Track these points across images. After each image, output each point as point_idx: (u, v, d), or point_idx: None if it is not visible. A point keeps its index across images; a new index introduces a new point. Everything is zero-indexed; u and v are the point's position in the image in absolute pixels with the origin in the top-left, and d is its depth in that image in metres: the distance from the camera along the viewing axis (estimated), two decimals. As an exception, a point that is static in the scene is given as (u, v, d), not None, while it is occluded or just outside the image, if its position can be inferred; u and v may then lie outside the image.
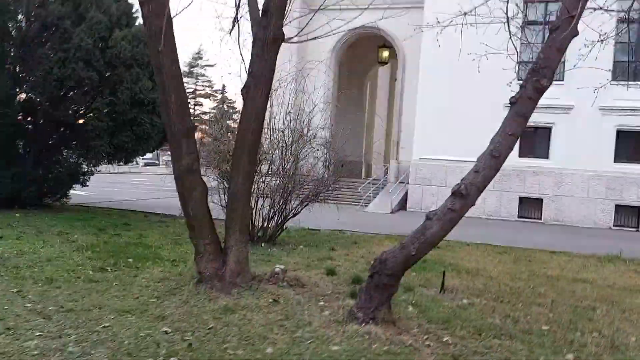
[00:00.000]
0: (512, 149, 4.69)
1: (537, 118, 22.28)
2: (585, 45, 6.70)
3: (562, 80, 20.28)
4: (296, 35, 5.99)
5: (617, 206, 19.34)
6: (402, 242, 4.94)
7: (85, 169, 13.60)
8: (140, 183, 28.05)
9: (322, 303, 5.65)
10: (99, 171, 14.19)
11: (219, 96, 76.23)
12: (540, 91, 4.56)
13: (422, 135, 21.14)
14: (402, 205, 21.17)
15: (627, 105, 18.54)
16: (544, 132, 19.96)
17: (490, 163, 4.69)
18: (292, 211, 10.42)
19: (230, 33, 6.66)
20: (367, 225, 14.34)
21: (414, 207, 20.97)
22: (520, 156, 20.25)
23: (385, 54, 26.52)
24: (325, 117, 12.93)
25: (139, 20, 12.71)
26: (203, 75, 76.77)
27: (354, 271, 7.58)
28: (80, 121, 12.18)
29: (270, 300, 5.56)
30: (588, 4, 4.79)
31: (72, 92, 11.17)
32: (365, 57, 27.58)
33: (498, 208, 20.19)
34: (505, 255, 10.07)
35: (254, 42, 5.59)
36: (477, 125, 20.46)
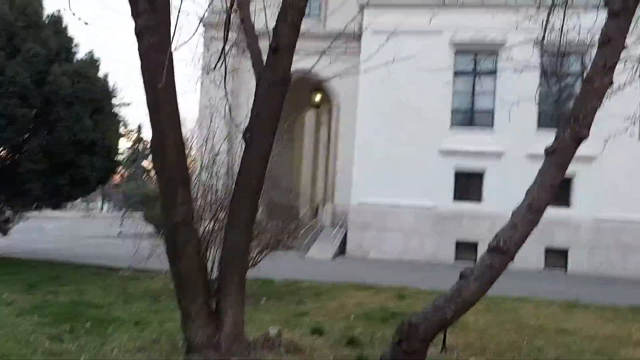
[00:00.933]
0: (550, 201, 4.45)
1: (470, 163, 22.33)
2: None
3: (492, 127, 21.11)
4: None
5: (546, 249, 20.01)
6: (434, 303, 4.51)
7: (8, 216, 12.17)
8: (55, 228, 25.72)
9: (331, 371, 5.07)
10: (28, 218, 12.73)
11: (134, 136, 73.40)
12: (579, 141, 4.38)
13: (361, 178, 20.99)
14: (342, 249, 20.75)
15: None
16: (478, 177, 20.45)
17: (529, 217, 4.43)
18: (252, 260, 9.73)
19: (214, 67, 6.13)
20: (316, 273, 13.73)
21: (354, 252, 20.62)
22: (455, 200, 20.62)
23: (318, 97, 26.51)
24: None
25: (79, 55, 11.74)
26: (116, 114, 73.59)
27: (340, 329, 7.06)
28: (8, 162, 10.85)
29: (277, 371, 4.91)
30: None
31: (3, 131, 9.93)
32: (296, 100, 27.41)
33: (436, 252, 20.28)
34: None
35: (258, 82, 5.08)
36: (414, 168, 20.74)
